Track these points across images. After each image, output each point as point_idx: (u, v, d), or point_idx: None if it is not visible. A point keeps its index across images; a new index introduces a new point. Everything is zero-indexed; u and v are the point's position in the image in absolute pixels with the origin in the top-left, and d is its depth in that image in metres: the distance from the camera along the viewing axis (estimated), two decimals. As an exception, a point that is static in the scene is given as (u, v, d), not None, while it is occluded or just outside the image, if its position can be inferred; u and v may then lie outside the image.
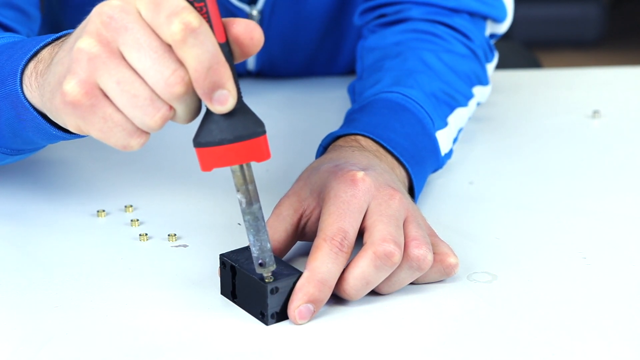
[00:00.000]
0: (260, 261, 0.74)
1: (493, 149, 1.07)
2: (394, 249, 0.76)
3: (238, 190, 0.72)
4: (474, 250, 0.85)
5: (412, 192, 0.91)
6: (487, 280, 0.81)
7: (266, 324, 0.74)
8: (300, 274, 0.75)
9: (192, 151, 1.05)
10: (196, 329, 0.74)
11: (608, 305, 0.78)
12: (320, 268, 0.75)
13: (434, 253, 0.79)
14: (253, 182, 0.72)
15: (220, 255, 0.78)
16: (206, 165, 0.70)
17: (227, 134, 0.69)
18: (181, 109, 0.69)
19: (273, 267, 0.74)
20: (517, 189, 0.98)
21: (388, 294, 0.79)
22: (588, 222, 0.91)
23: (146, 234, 0.87)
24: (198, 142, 0.70)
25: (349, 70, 1.26)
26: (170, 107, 0.68)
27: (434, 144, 0.95)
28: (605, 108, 1.17)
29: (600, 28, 3.49)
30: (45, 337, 0.73)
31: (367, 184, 0.79)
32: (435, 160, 0.95)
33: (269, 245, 0.74)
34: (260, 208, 0.73)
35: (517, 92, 1.22)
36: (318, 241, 0.76)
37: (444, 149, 0.96)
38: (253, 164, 0.72)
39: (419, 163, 0.91)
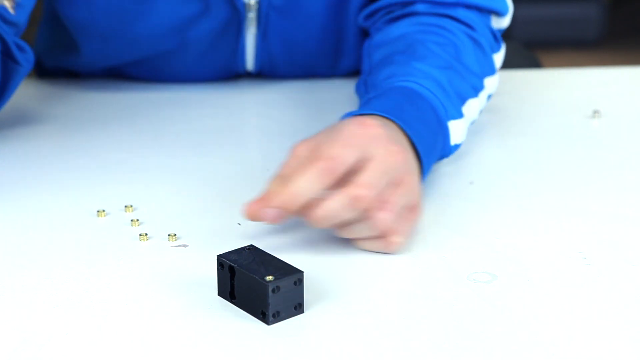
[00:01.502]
0: None
1: (493, 149, 1.07)
2: (366, 194, 0.79)
3: None
4: (474, 250, 0.86)
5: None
6: (487, 280, 0.81)
7: (267, 323, 0.74)
8: (301, 273, 0.75)
9: (193, 151, 1.06)
10: (196, 329, 0.74)
11: (608, 305, 0.78)
12: (299, 182, 0.79)
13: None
14: None
15: (218, 256, 0.78)
16: None
17: None
18: None
19: None
20: (517, 189, 0.98)
21: (347, 238, 0.83)
22: (588, 222, 0.91)
23: (146, 234, 0.87)
24: None
25: (350, 73, 1.26)
26: None
27: (445, 132, 0.96)
28: (605, 108, 1.17)
29: (600, 28, 3.49)
30: (45, 337, 0.73)
31: (378, 131, 0.83)
32: (443, 147, 0.97)
33: None
34: None
35: (517, 92, 1.22)
36: (309, 160, 0.80)
37: (455, 139, 0.98)
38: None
39: (429, 148, 0.93)
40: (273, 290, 0.74)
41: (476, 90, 1.03)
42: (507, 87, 1.22)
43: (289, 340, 0.73)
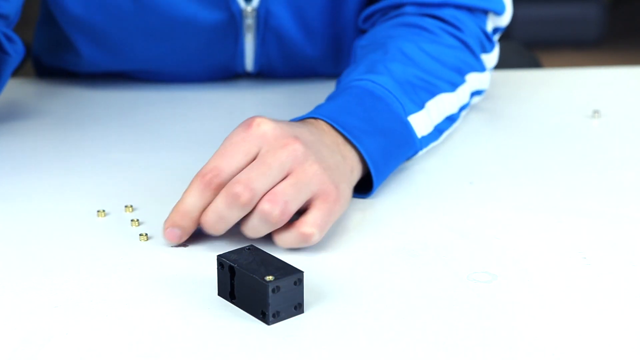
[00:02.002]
0: None
1: (493, 149, 1.07)
2: (242, 191, 0.81)
3: None
4: (474, 250, 0.86)
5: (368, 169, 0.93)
6: (487, 280, 0.81)
7: (267, 323, 0.74)
8: (301, 273, 0.75)
9: (193, 151, 1.06)
10: (196, 329, 0.74)
11: (608, 305, 0.78)
12: (184, 200, 0.84)
13: (299, 218, 0.83)
14: None
15: (218, 256, 0.78)
16: None
17: None
18: None
19: None
20: (517, 189, 0.98)
21: (253, 238, 0.84)
22: (588, 222, 0.91)
23: (146, 234, 0.87)
24: None
25: None
26: None
27: (406, 127, 0.97)
28: (605, 108, 1.17)
29: (600, 28, 3.49)
30: (45, 337, 0.73)
31: (261, 130, 0.84)
32: (409, 142, 0.97)
33: None
34: None
35: (517, 92, 1.22)
36: (195, 176, 0.84)
37: (420, 132, 0.98)
38: None
39: (381, 146, 0.93)
40: (273, 290, 0.74)
41: (453, 85, 1.04)
42: (507, 87, 1.22)
43: (289, 340, 0.73)
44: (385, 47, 1.05)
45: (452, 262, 0.83)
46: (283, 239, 0.84)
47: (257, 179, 0.82)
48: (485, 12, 1.12)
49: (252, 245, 0.79)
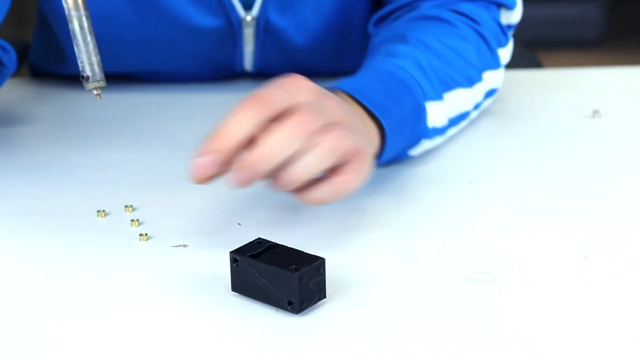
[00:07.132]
0: (83, 74, 0.75)
1: (493, 149, 1.07)
2: (314, 117, 0.75)
3: None
4: (474, 250, 0.86)
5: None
6: (487, 280, 0.81)
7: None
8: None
9: (192, 151, 1.06)
10: (196, 329, 0.74)
11: (608, 305, 0.78)
12: (230, 121, 0.74)
13: (335, 172, 0.79)
14: None
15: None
16: None
17: None
18: None
19: (101, 83, 0.76)
20: (517, 189, 0.98)
21: (297, 182, 0.77)
22: (588, 222, 0.91)
23: (146, 234, 0.87)
24: None
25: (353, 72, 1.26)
26: None
27: (420, 111, 0.96)
28: (605, 108, 1.17)
29: (600, 28, 3.49)
30: (45, 337, 0.73)
31: (309, 82, 0.79)
32: (419, 125, 0.96)
33: (94, 58, 0.74)
34: (88, 17, 0.74)
35: (517, 92, 1.22)
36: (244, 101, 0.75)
37: (433, 121, 0.98)
38: None
39: (395, 116, 0.92)
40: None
41: (470, 81, 1.03)
42: (507, 87, 1.22)
43: (289, 340, 0.73)
44: (404, 38, 1.04)
45: (452, 262, 0.83)
46: (318, 192, 0.78)
47: (316, 118, 0.75)
48: (498, 5, 1.11)
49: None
